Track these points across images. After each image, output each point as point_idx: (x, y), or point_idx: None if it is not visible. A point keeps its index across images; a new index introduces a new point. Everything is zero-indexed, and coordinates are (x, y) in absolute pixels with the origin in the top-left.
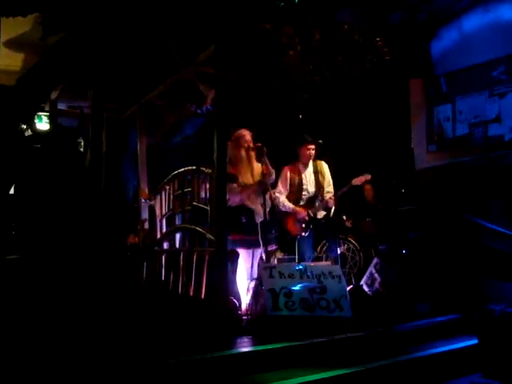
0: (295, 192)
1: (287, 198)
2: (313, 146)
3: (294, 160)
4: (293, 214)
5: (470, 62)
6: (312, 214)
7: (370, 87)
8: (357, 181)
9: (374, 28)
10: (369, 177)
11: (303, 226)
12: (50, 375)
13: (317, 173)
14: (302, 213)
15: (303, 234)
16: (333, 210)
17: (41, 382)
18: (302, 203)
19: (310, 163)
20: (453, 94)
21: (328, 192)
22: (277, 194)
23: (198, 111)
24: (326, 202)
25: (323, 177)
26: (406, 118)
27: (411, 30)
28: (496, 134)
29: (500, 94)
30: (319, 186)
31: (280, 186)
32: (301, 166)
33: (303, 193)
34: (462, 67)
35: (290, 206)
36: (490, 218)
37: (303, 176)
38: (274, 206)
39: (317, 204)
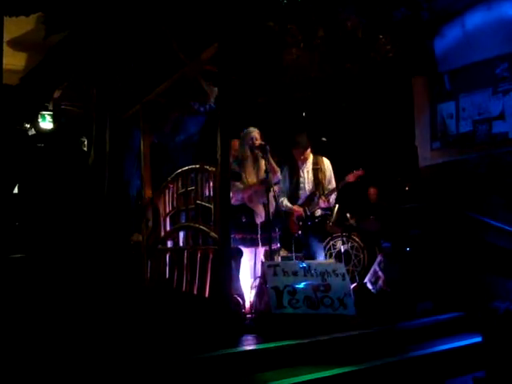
0: (293, 190)
1: (288, 196)
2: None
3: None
4: (291, 212)
5: (473, 59)
6: (309, 213)
7: (374, 85)
8: (351, 177)
9: (377, 25)
10: (361, 172)
11: (300, 224)
12: (54, 374)
13: (316, 170)
14: (299, 212)
15: (299, 232)
16: (336, 209)
17: (46, 382)
18: (300, 202)
19: (310, 160)
20: (456, 91)
21: (328, 189)
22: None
23: (201, 109)
24: (322, 200)
25: (323, 174)
26: (409, 115)
27: (414, 27)
28: (500, 131)
29: (504, 91)
30: (318, 183)
31: (281, 185)
32: (299, 164)
33: (300, 191)
34: (465, 64)
35: (288, 205)
36: (493, 216)
37: (301, 173)
38: (278, 205)
39: (315, 201)
